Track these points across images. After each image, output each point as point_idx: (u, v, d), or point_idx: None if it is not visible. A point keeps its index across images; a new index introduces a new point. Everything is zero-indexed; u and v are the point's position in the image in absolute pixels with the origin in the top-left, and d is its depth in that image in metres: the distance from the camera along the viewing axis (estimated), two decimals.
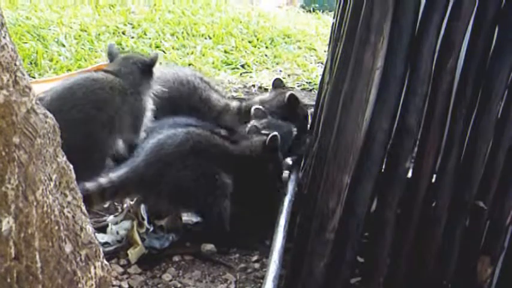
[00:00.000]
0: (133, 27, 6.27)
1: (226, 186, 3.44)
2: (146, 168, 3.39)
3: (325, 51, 5.53)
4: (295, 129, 3.91)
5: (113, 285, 2.98)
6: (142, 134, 3.75)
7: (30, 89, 2.00)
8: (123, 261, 3.31)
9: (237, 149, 3.56)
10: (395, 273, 2.73)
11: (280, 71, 5.76)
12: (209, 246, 3.44)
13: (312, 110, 4.62)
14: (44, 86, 4.78)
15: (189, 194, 3.42)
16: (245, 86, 5.40)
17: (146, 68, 3.81)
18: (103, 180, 3.35)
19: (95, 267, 2.35)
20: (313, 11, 9.12)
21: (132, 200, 3.58)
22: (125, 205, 3.60)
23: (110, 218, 3.53)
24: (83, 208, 2.33)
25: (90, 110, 3.55)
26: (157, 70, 3.98)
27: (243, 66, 5.78)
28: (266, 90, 5.39)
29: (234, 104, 4.31)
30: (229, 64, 5.79)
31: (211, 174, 3.41)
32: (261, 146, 3.57)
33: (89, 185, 3.27)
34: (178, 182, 3.38)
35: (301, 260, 2.73)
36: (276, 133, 3.54)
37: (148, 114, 3.81)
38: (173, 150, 3.41)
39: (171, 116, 3.90)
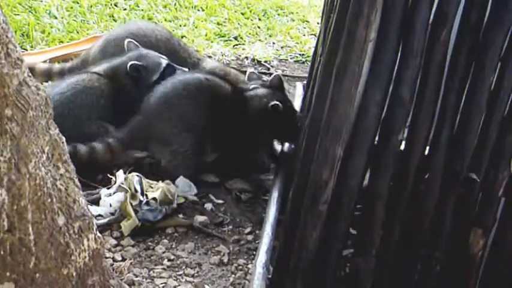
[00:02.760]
0: None
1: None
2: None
3: (318, 23, 5.49)
4: None
5: (106, 257, 2.99)
6: None
7: (22, 61, 1.99)
8: (116, 234, 3.31)
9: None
10: (388, 245, 2.74)
11: (273, 43, 5.73)
12: (202, 218, 3.45)
13: (305, 82, 4.62)
14: (36, 58, 4.78)
15: None
16: (238, 58, 5.37)
17: None
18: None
19: (88, 240, 2.35)
20: None
21: (125, 172, 3.58)
22: (118, 177, 3.60)
23: (103, 190, 3.53)
24: (76, 181, 2.33)
25: None
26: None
27: (235, 38, 5.75)
28: (259, 62, 5.39)
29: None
30: (222, 36, 5.76)
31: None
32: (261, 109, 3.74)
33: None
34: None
35: (294, 232, 2.74)
36: (277, 102, 3.68)
37: None
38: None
39: None
